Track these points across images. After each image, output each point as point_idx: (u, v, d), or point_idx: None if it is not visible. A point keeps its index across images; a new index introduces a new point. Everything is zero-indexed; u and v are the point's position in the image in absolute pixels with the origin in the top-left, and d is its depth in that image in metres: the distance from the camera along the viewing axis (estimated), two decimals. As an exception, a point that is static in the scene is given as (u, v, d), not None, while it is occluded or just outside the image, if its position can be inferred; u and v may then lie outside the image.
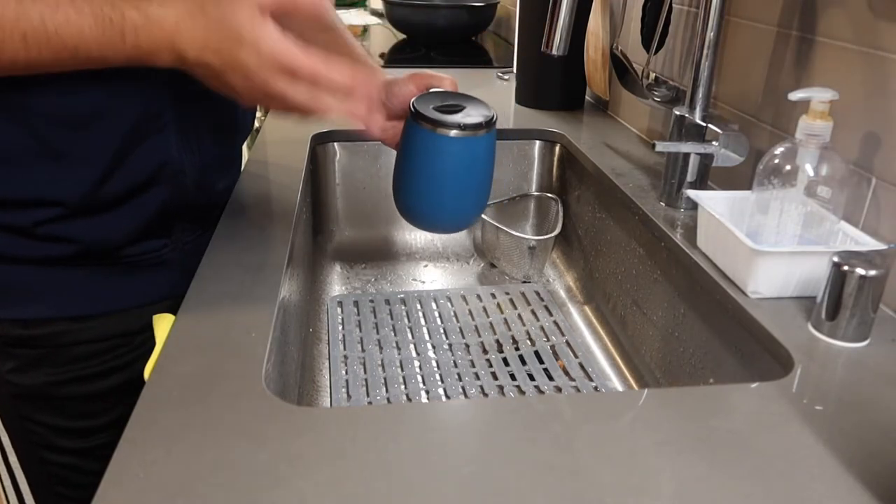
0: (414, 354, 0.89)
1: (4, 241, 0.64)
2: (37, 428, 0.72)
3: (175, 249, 0.73)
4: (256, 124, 1.19)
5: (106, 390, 0.73)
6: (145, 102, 0.63)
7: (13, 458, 0.73)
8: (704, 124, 0.79)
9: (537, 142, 1.15)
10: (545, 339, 0.93)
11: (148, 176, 0.67)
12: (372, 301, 1.01)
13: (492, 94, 1.38)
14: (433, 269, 1.13)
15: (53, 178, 0.62)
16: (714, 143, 0.77)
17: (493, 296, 1.03)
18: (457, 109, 0.65)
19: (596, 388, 0.84)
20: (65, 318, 0.68)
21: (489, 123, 0.65)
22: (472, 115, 0.65)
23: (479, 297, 1.02)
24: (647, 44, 1.08)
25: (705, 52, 0.78)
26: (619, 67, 1.05)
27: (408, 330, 0.94)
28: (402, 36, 2.02)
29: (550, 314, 0.98)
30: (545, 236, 1.05)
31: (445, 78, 0.66)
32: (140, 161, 0.66)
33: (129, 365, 0.72)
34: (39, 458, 0.73)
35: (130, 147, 0.65)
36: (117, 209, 0.66)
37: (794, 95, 0.62)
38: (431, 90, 0.66)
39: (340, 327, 0.94)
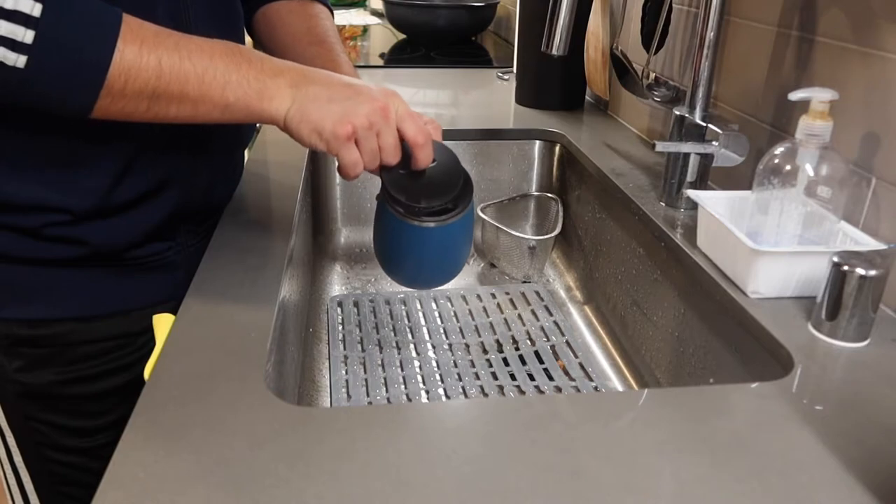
0: (414, 354, 0.89)
1: (11, 241, 0.64)
2: (41, 427, 0.72)
3: (180, 252, 0.74)
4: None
5: (110, 390, 0.73)
6: None
7: (18, 458, 0.73)
8: (704, 124, 0.79)
9: (537, 142, 1.15)
10: (545, 339, 0.93)
11: (158, 184, 0.67)
12: (372, 301, 1.01)
13: (492, 94, 1.38)
14: (433, 269, 1.13)
15: (63, 184, 0.63)
16: (714, 143, 0.77)
17: (493, 296, 1.03)
18: (430, 177, 0.61)
19: (596, 388, 0.84)
20: (70, 318, 0.69)
21: (464, 204, 0.62)
22: (444, 188, 0.61)
23: (479, 297, 1.02)
24: (647, 44, 1.08)
25: (705, 52, 0.78)
26: (619, 67, 1.05)
27: (408, 330, 0.94)
28: (402, 36, 2.02)
29: (550, 314, 0.98)
30: (545, 236, 1.05)
31: (419, 160, 0.61)
32: (150, 170, 0.66)
33: (132, 365, 0.73)
34: (44, 457, 0.73)
35: (141, 156, 0.65)
36: (126, 214, 0.67)
37: (794, 95, 0.62)
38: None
39: (340, 327, 0.94)
